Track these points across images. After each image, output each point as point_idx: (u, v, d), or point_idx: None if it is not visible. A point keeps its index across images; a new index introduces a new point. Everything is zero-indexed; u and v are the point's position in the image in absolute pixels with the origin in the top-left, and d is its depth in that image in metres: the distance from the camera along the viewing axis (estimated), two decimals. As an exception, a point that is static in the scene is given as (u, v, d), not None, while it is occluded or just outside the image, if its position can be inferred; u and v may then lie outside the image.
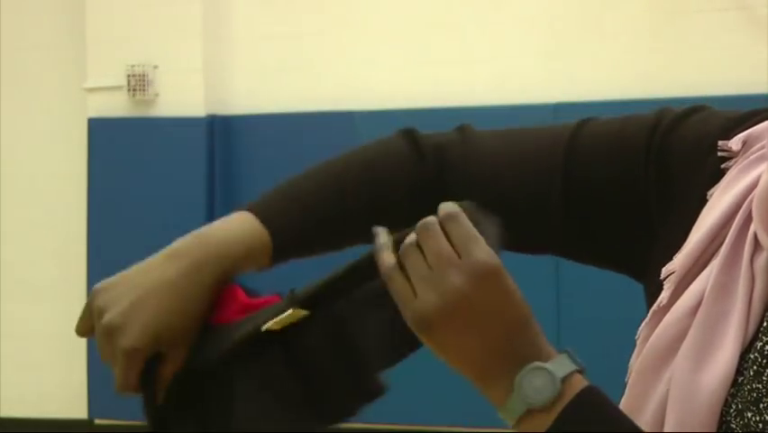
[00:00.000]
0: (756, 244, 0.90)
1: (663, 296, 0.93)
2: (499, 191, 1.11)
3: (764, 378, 0.85)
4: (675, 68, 6.28)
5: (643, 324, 0.94)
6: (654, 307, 0.94)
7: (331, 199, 1.09)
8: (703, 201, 0.97)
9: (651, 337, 0.91)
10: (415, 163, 1.15)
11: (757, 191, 0.90)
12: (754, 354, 0.87)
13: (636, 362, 0.92)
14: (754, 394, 0.85)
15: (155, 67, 6.89)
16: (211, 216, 6.83)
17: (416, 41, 6.74)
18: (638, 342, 0.94)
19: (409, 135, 1.18)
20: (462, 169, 1.14)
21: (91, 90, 7.02)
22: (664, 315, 0.92)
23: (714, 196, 0.97)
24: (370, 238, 0.92)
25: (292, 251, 1.06)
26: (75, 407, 7.02)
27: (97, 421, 6.97)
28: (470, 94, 6.56)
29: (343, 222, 1.08)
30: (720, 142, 0.99)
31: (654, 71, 6.33)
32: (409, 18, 6.77)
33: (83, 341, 7.67)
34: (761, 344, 0.87)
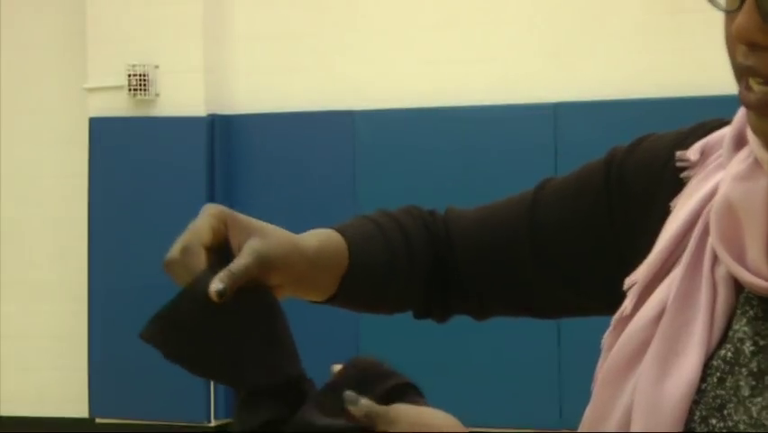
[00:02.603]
0: (716, 254, 0.91)
1: (626, 305, 0.95)
2: (482, 266, 1.16)
3: (728, 385, 0.87)
4: (675, 68, 6.29)
5: (607, 333, 0.96)
6: (617, 315, 0.95)
7: (378, 234, 1.14)
8: (666, 214, 0.99)
9: (614, 347, 0.93)
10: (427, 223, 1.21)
11: (714, 206, 0.92)
12: (717, 361, 0.88)
13: (601, 371, 0.94)
14: (719, 401, 0.86)
15: (156, 67, 6.90)
16: (211, 216, 6.83)
17: (416, 41, 6.75)
18: (603, 350, 0.95)
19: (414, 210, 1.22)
20: (454, 233, 1.20)
21: (92, 90, 7.03)
22: (627, 324, 0.93)
23: (677, 205, 0.98)
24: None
25: (363, 263, 1.09)
26: (76, 406, 7.03)
27: (98, 420, 6.98)
28: (471, 94, 6.57)
29: (389, 249, 1.13)
30: (678, 153, 1.01)
31: (654, 71, 6.34)
32: (409, 18, 6.77)
33: (84, 340, 7.67)
34: (724, 351, 0.88)
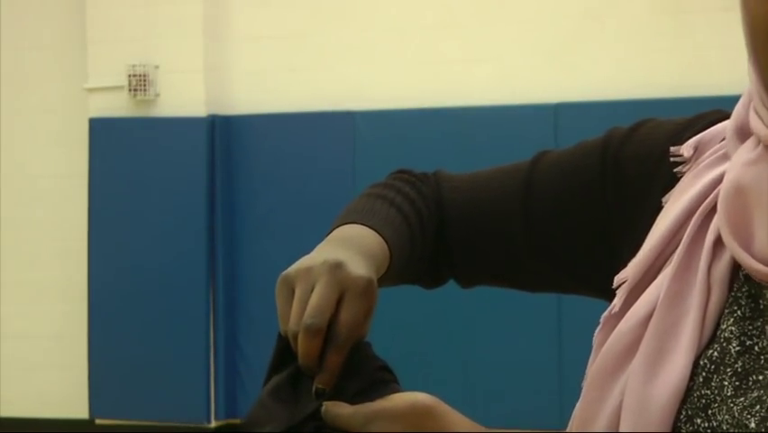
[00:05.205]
0: (714, 253, 0.90)
1: (615, 303, 0.94)
2: (473, 233, 1.16)
3: (713, 384, 0.86)
4: (676, 68, 6.29)
5: (596, 331, 0.95)
6: (606, 314, 0.95)
7: (401, 220, 1.12)
8: (659, 208, 0.98)
9: (604, 345, 0.92)
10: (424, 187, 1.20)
11: (722, 191, 0.91)
12: (704, 360, 0.88)
13: (590, 370, 0.93)
14: (704, 401, 0.86)
15: (156, 67, 6.90)
16: (211, 216, 6.84)
17: (416, 41, 6.75)
18: (593, 348, 0.95)
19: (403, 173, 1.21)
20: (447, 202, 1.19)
21: (92, 90, 7.03)
22: (617, 322, 0.93)
23: (669, 201, 0.98)
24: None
25: (396, 266, 1.07)
26: (76, 407, 7.03)
27: (98, 421, 6.98)
28: (471, 94, 6.57)
29: (413, 240, 1.12)
30: (672, 148, 1.00)
31: (655, 71, 6.34)
32: (410, 18, 6.77)
33: (84, 341, 7.67)
34: (711, 351, 0.88)
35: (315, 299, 0.90)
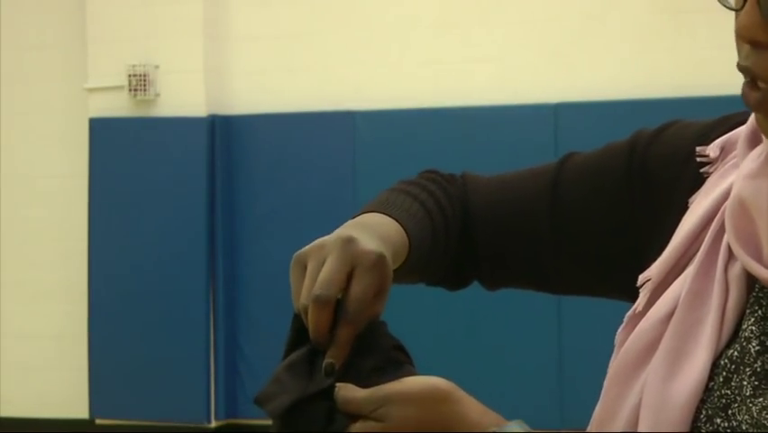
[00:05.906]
0: (731, 253, 0.91)
1: (639, 302, 0.95)
2: (499, 233, 1.16)
3: (733, 384, 0.86)
4: (676, 68, 6.29)
5: (620, 329, 0.96)
6: (630, 312, 0.95)
7: (423, 213, 1.12)
8: (685, 208, 0.99)
9: (625, 343, 0.93)
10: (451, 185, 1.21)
11: (728, 204, 0.91)
12: (724, 360, 0.88)
13: (612, 367, 0.94)
14: (723, 400, 0.86)
15: (156, 67, 6.90)
16: (211, 216, 6.84)
17: (416, 41, 6.75)
18: (615, 347, 0.95)
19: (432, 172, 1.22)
20: (471, 204, 1.19)
21: (92, 90, 7.03)
22: (640, 321, 0.93)
23: (695, 202, 0.98)
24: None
25: (415, 257, 1.07)
26: (76, 407, 7.03)
27: (98, 421, 6.98)
28: (471, 94, 6.57)
29: (434, 232, 1.13)
30: (698, 148, 1.01)
31: (655, 71, 6.34)
32: (410, 18, 6.77)
33: (84, 341, 7.65)
34: (731, 351, 0.88)
35: (324, 272, 0.90)
